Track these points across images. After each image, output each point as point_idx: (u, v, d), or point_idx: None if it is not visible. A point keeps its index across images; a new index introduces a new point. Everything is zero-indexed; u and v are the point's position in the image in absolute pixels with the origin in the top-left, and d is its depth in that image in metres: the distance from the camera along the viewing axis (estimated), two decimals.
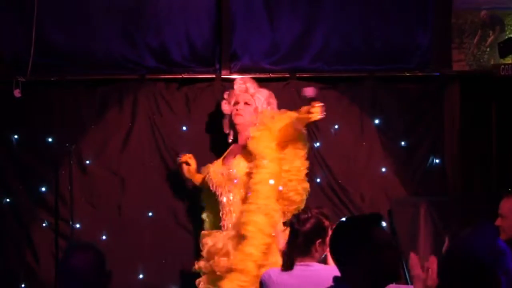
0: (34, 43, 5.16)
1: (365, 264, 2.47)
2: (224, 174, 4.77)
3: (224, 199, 4.75)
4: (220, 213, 4.78)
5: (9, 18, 5.34)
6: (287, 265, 3.62)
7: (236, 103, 4.92)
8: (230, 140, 5.04)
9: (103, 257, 2.90)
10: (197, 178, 5.07)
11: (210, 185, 4.84)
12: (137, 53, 5.44)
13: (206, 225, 5.01)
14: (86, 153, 5.42)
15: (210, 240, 4.71)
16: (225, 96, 5.04)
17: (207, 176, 4.88)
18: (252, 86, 4.96)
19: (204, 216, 5.04)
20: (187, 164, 5.06)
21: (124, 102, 5.47)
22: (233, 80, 5.39)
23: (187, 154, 5.09)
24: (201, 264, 4.75)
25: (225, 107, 5.02)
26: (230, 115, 4.97)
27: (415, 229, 5.06)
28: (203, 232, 4.90)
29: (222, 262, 4.54)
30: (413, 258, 3.37)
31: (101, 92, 5.47)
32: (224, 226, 4.75)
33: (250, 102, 4.90)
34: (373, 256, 2.47)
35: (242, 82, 4.97)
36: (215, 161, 4.95)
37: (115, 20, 5.40)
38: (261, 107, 4.91)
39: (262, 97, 4.93)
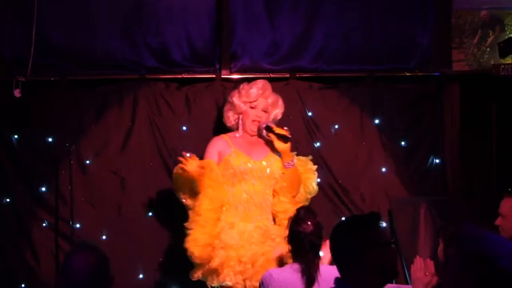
0: (34, 43, 5.15)
1: (366, 264, 2.48)
2: (263, 168, 4.67)
3: (257, 191, 4.66)
4: (237, 204, 4.65)
5: (9, 18, 5.34)
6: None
7: (254, 107, 4.77)
8: (237, 135, 4.81)
9: (106, 260, 2.88)
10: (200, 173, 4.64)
11: (233, 174, 4.64)
12: (137, 53, 5.44)
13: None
14: (86, 153, 5.42)
15: (236, 230, 4.58)
16: (243, 92, 4.79)
17: (236, 164, 4.64)
18: (270, 94, 4.83)
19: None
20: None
21: (124, 102, 5.47)
22: (233, 80, 5.40)
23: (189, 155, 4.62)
24: (221, 256, 4.51)
25: (238, 104, 4.80)
26: (239, 112, 4.80)
27: (415, 229, 5.06)
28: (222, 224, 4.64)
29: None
30: (417, 262, 3.38)
31: (101, 92, 5.47)
32: (237, 215, 4.65)
33: (268, 110, 4.79)
34: (374, 255, 2.48)
35: (263, 88, 4.80)
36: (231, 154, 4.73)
37: (115, 20, 5.40)
38: (276, 117, 4.85)
39: (280, 107, 4.85)
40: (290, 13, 5.48)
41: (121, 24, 5.41)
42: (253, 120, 4.76)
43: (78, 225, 5.35)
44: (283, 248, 4.36)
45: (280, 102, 4.88)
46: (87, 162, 5.42)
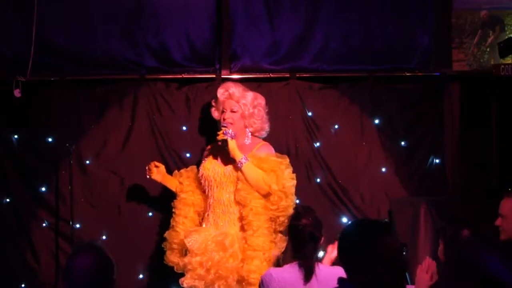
0: (34, 43, 5.16)
1: (374, 271, 2.46)
2: (226, 173, 4.73)
3: (222, 196, 4.72)
4: (208, 210, 4.78)
5: (9, 18, 5.34)
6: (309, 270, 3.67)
7: (223, 111, 4.84)
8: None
9: (108, 262, 2.86)
10: (168, 180, 5.00)
11: (203, 181, 4.79)
12: (137, 53, 5.44)
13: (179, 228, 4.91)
14: (86, 153, 5.42)
15: (199, 236, 4.68)
16: (213, 103, 4.97)
17: (202, 171, 4.81)
18: (236, 91, 4.83)
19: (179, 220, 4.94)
20: (156, 166, 4.94)
21: (124, 102, 5.47)
22: (233, 80, 5.39)
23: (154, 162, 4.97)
24: (185, 260, 4.67)
25: (215, 114, 4.97)
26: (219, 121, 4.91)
27: (415, 229, 5.06)
28: (189, 229, 4.81)
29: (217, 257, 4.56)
30: (426, 263, 3.39)
31: (101, 92, 5.48)
32: (208, 221, 4.76)
33: (236, 109, 4.80)
34: (383, 264, 2.46)
35: (224, 90, 4.86)
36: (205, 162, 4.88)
37: (115, 20, 5.40)
38: (248, 112, 4.82)
39: (248, 102, 4.82)
40: (290, 13, 5.47)
41: (121, 24, 5.41)
42: (223, 125, 4.82)
43: (78, 225, 5.35)
44: (279, 248, 4.43)
45: (249, 99, 4.84)
46: (87, 162, 5.42)
